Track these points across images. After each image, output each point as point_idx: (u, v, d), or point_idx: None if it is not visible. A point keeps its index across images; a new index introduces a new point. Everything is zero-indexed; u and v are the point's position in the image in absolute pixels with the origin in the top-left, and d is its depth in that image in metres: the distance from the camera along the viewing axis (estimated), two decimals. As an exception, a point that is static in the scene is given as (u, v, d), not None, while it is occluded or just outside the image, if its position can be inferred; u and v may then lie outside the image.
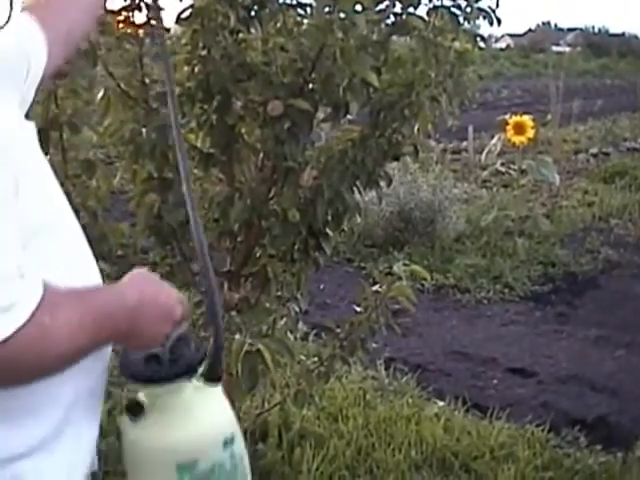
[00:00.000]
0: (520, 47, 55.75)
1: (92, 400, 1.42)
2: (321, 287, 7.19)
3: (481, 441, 4.23)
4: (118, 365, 1.44)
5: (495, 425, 4.43)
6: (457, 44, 3.32)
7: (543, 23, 79.05)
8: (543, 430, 4.47)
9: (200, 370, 1.43)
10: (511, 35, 72.03)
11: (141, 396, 1.42)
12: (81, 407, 1.38)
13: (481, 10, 3.24)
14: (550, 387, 5.34)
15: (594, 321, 6.70)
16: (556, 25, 78.57)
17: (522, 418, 4.63)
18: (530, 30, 75.35)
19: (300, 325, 5.44)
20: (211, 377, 1.45)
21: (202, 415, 1.41)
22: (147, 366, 1.39)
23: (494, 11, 3.27)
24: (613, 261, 8.41)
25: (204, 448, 1.38)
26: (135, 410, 1.40)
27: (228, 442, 1.40)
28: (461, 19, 3.19)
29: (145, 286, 1.40)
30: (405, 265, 3.46)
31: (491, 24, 3.35)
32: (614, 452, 4.25)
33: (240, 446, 1.44)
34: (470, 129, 12.84)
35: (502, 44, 64.91)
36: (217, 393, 1.45)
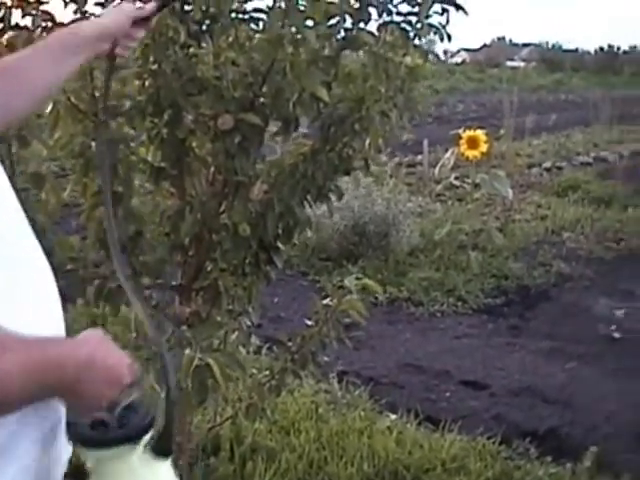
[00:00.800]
0: (476, 62, 56.19)
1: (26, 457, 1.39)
2: (275, 300, 7.20)
3: (433, 454, 4.24)
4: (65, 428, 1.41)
5: (447, 438, 4.46)
6: (408, 59, 3.34)
7: (498, 38, 79.74)
8: (494, 442, 4.50)
9: (148, 438, 1.39)
10: (467, 50, 72.61)
11: (86, 461, 1.39)
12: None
13: (432, 26, 3.27)
14: (502, 399, 5.38)
15: (546, 333, 6.77)
16: (511, 40, 79.33)
17: (474, 430, 4.66)
18: (485, 45, 75.97)
19: (253, 339, 5.43)
20: (160, 450, 1.41)
21: None
22: (93, 430, 1.36)
23: (444, 27, 3.30)
24: (565, 274, 8.52)
25: None
26: (78, 475, 1.39)
27: None
28: (412, 35, 3.22)
29: (98, 346, 1.37)
30: (357, 279, 3.47)
31: (442, 40, 3.39)
32: (564, 463, 4.29)
33: None
34: (425, 143, 12.93)
35: (458, 59, 65.38)
36: (165, 466, 1.42)
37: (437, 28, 3.28)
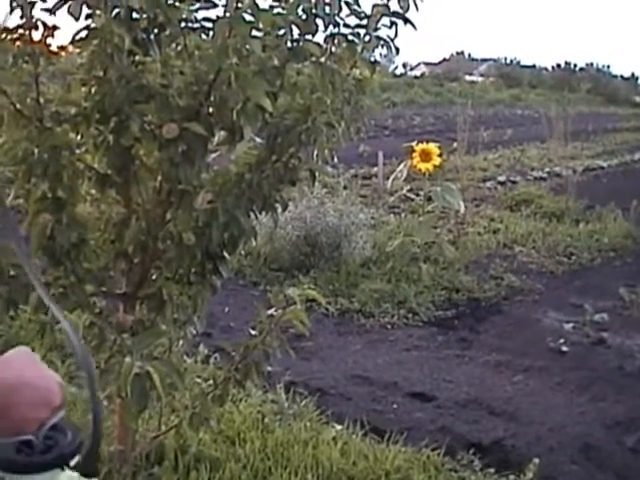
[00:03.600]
0: (434, 75, 56.40)
1: None
2: (226, 310, 7.19)
3: (377, 465, 4.25)
4: None
5: (392, 449, 4.46)
6: (356, 71, 3.37)
7: (457, 53, 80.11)
8: (439, 454, 4.52)
9: (75, 460, 1.36)
10: (426, 63, 72.92)
11: None
12: None
13: (380, 39, 3.30)
14: (449, 411, 5.41)
15: (495, 346, 6.82)
16: (470, 55, 79.64)
17: (419, 442, 4.67)
18: (445, 59, 76.34)
19: (201, 348, 5.44)
20: (86, 471, 1.38)
21: None
22: (18, 454, 1.32)
23: (393, 40, 3.33)
24: (516, 287, 8.59)
25: None
26: None
27: None
28: (359, 47, 3.25)
29: (26, 367, 1.35)
30: (300, 289, 3.46)
31: (390, 52, 3.41)
32: (507, 475, 4.32)
33: None
34: (380, 155, 12.99)
35: (417, 72, 65.64)
36: None
37: (385, 41, 3.31)
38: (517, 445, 4.91)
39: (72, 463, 1.35)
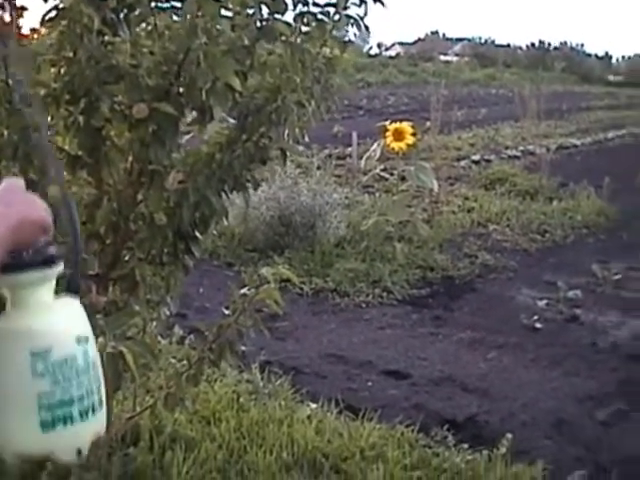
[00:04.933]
0: (409, 56, 56.40)
1: None
2: (200, 291, 7.20)
3: (352, 442, 4.28)
4: None
5: (366, 426, 4.49)
6: (326, 50, 3.37)
7: (432, 32, 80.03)
8: (413, 430, 4.55)
9: (60, 270, 1.43)
10: (401, 43, 72.86)
11: (2, 290, 1.43)
12: None
13: (349, 17, 3.30)
14: (423, 388, 5.45)
15: (469, 324, 6.86)
16: (445, 35, 79.67)
17: (393, 419, 4.70)
18: (420, 39, 76.25)
19: (177, 329, 5.44)
20: (71, 287, 1.46)
21: (58, 311, 1.43)
22: (9, 257, 1.39)
23: (362, 18, 3.33)
24: (490, 265, 8.64)
25: (57, 338, 1.40)
26: None
27: (82, 340, 1.42)
28: (329, 26, 3.25)
29: (24, 204, 1.40)
30: (282, 269, 3.48)
31: (360, 30, 3.42)
32: (481, 450, 4.35)
33: (94, 352, 1.46)
34: (354, 135, 12.99)
35: (392, 52, 65.61)
36: (74, 303, 1.46)
37: (355, 19, 3.32)
38: (491, 421, 4.96)
39: (57, 272, 1.42)
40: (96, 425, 1.46)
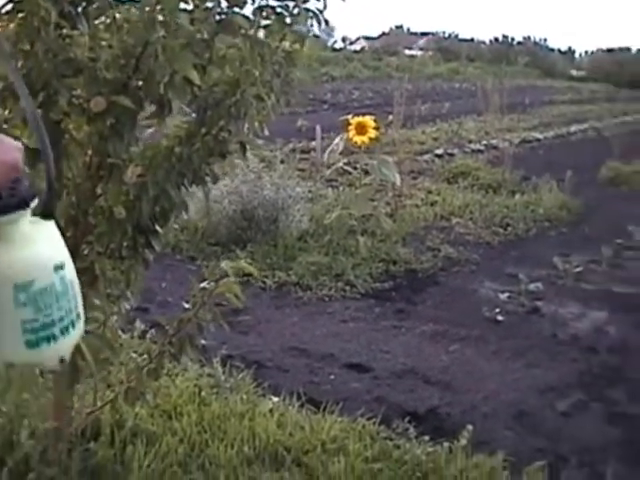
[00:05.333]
0: (374, 50, 56.40)
1: None
2: (163, 285, 7.18)
3: (313, 435, 4.29)
4: None
5: (328, 419, 4.50)
6: (286, 44, 3.37)
7: (397, 27, 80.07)
8: (374, 423, 4.57)
9: (34, 203, 1.47)
10: (366, 38, 72.89)
11: None
12: None
13: (308, 11, 3.30)
14: (385, 381, 5.47)
15: (432, 317, 6.90)
16: (409, 29, 79.65)
17: (355, 412, 4.71)
18: (384, 33, 76.27)
19: (138, 323, 5.43)
20: (45, 212, 1.50)
21: (38, 242, 1.48)
22: None
23: (322, 12, 3.34)
24: (452, 258, 8.69)
25: (38, 270, 1.46)
26: None
27: (58, 267, 1.48)
28: (288, 19, 3.25)
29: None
30: (242, 262, 3.48)
31: (320, 24, 3.42)
32: (442, 442, 4.37)
33: (70, 272, 1.52)
34: (318, 129, 13.00)
35: (357, 46, 65.61)
36: (50, 226, 1.51)
37: (314, 13, 3.32)
38: (452, 413, 4.99)
39: (32, 205, 1.47)
40: (76, 334, 1.54)
